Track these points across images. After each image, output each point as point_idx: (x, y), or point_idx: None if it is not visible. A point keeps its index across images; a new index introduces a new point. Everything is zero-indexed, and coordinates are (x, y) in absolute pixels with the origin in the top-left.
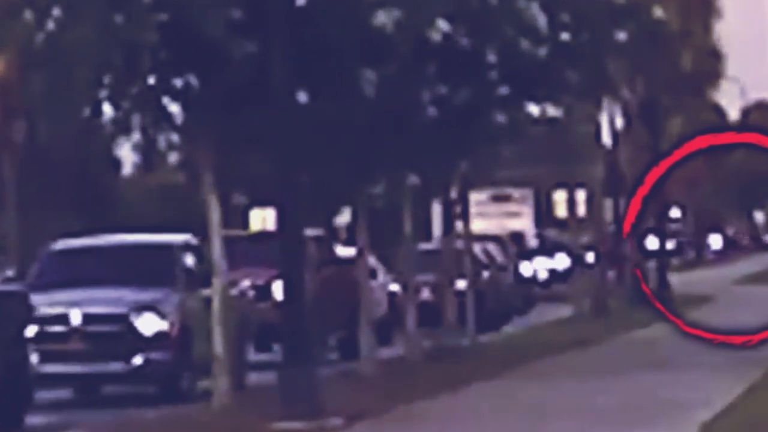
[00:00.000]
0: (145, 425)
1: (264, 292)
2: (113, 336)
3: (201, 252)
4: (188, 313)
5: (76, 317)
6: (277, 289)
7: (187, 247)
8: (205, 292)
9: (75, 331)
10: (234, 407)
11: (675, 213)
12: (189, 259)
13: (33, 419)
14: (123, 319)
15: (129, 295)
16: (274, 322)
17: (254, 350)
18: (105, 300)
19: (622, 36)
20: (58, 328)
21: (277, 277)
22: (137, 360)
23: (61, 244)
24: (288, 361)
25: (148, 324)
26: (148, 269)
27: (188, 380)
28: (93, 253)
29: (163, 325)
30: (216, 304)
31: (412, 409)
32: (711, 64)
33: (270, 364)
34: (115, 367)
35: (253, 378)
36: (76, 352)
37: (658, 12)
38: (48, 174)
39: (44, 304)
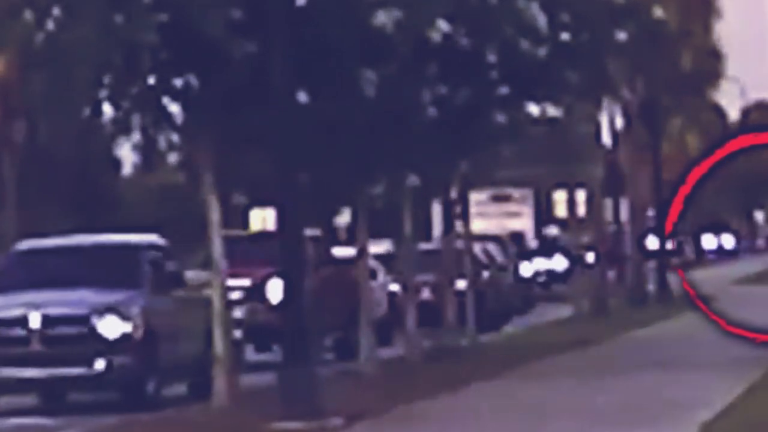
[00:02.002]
0: (144, 426)
1: (256, 292)
2: (74, 339)
3: (170, 252)
4: (155, 316)
5: (35, 320)
6: (275, 290)
7: (153, 247)
8: (177, 293)
9: (34, 333)
10: (233, 407)
11: None
12: (156, 260)
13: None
14: (84, 321)
15: (91, 296)
16: (260, 324)
17: (254, 350)
18: (66, 301)
19: (622, 36)
20: (17, 331)
21: (270, 276)
22: (99, 364)
23: (26, 244)
24: (288, 361)
25: (111, 326)
26: (112, 270)
27: (154, 385)
28: (57, 253)
29: (126, 328)
30: (216, 305)
31: (412, 409)
32: (711, 64)
33: (270, 364)
34: (76, 371)
35: (253, 378)
36: (36, 355)
37: (658, 12)
38: (48, 173)
39: (4, 306)
